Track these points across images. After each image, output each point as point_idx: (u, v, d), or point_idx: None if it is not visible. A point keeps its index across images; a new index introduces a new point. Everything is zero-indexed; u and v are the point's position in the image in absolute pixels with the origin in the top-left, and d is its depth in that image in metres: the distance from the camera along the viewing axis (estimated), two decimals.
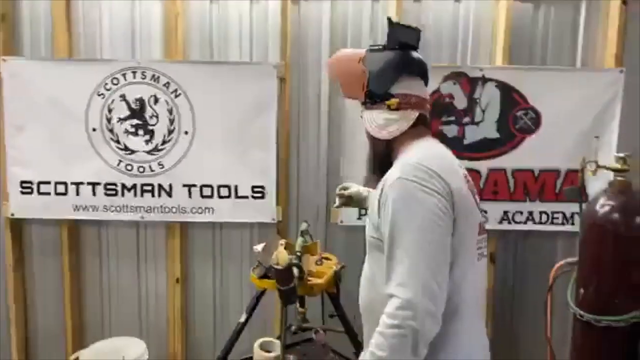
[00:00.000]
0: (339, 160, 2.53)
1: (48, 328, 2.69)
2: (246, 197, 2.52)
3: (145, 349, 2.32)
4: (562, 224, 2.55)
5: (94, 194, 2.49)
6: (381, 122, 1.25)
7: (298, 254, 1.78)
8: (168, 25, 2.47)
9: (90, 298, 2.70)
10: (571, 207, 2.47)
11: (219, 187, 2.51)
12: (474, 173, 2.51)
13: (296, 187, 2.63)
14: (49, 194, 2.48)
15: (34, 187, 2.48)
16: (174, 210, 2.53)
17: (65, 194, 2.48)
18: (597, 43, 2.52)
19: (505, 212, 2.55)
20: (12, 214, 2.52)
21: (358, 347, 1.86)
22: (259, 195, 2.52)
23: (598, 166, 1.88)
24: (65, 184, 2.48)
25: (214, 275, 2.70)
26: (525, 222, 2.56)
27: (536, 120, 2.48)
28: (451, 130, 2.51)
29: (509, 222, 2.56)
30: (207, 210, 2.53)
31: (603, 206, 1.77)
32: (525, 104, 2.47)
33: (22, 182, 2.48)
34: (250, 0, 2.53)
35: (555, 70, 2.49)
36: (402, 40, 1.26)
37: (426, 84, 1.32)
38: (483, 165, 2.52)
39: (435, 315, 1.02)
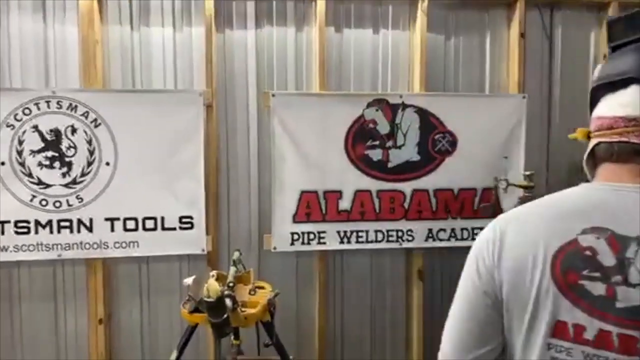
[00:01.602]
0: (270, 186, 2.53)
1: None
2: (174, 228, 2.44)
3: None
4: None
5: (2, 232, 2.29)
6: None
7: (230, 284, 1.76)
8: (86, 52, 2.38)
9: (2, 345, 2.44)
10: (489, 223, 2.64)
11: (144, 219, 2.42)
12: (399, 194, 2.63)
13: (227, 215, 2.59)
14: None
15: None
16: (95, 246, 2.39)
17: None
18: (502, 71, 2.77)
19: (430, 230, 2.68)
20: None
21: None
22: (188, 226, 2.46)
23: (508, 184, 2.05)
24: None
25: (142, 312, 2.57)
26: (448, 239, 2.70)
27: (453, 143, 2.65)
28: (376, 154, 2.61)
29: (434, 239, 2.69)
30: (131, 245, 2.42)
31: None
32: (442, 127, 2.64)
33: None
34: (173, 28, 2.50)
35: (467, 96, 2.69)
36: (616, 41, 0.88)
37: None
38: (407, 187, 2.64)
39: None
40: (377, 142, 2.61)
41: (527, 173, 1.99)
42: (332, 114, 2.54)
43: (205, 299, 1.24)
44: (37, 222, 2.32)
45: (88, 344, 2.48)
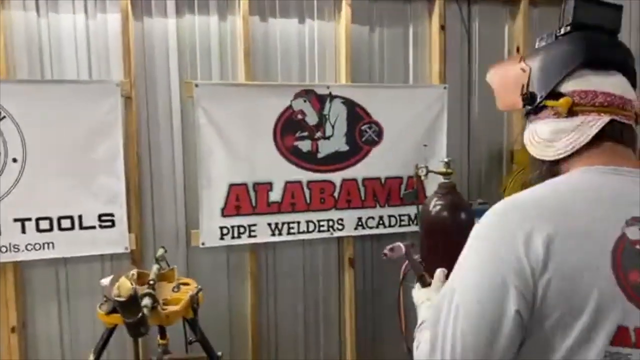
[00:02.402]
0: (196, 180, 2.46)
1: None
2: (93, 227, 2.32)
3: None
4: (409, 224, 2.80)
5: None
6: (546, 135, 0.84)
7: (151, 282, 1.69)
8: None
9: None
10: (414, 209, 2.74)
11: (60, 218, 2.27)
12: (329, 184, 2.65)
13: (151, 212, 2.49)
14: None
15: None
16: (4, 249, 2.21)
17: None
18: (424, 62, 2.86)
19: (359, 219, 2.73)
20: None
21: None
22: (108, 224, 2.34)
23: (428, 171, 2.13)
24: None
25: (61, 317, 2.42)
26: (377, 227, 2.76)
27: (379, 133, 2.71)
28: (305, 145, 2.61)
29: (363, 227, 2.74)
30: (46, 246, 2.26)
31: (435, 206, 2.01)
32: (369, 118, 2.69)
33: None
34: (85, 14, 2.35)
35: (391, 87, 2.76)
36: (582, 21, 0.85)
37: (631, 81, 0.85)
38: (337, 177, 2.67)
39: None
40: (306, 133, 2.61)
41: (446, 160, 2.07)
42: (259, 105, 2.51)
43: (116, 298, 1.18)
44: None
45: (1, 353, 2.30)
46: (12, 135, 2.18)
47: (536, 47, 0.90)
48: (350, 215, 2.71)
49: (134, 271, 1.77)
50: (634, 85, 0.84)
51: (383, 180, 2.74)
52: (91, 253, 2.34)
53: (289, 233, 2.62)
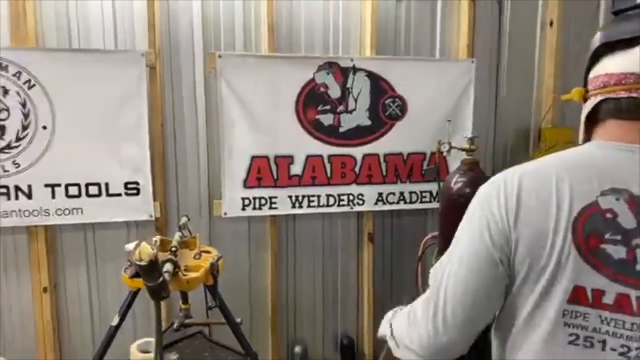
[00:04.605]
0: (220, 151, 2.49)
1: None
2: (119, 194, 2.38)
3: None
4: (430, 201, 2.79)
5: None
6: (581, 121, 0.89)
7: (173, 249, 1.74)
8: (15, 7, 2.21)
9: None
10: (436, 186, 2.71)
11: (87, 185, 2.34)
12: (350, 159, 2.64)
13: (175, 181, 2.54)
14: None
15: None
16: (35, 213, 2.30)
17: None
18: (452, 35, 2.78)
19: (380, 194, 2.72)
20: None
21: (241, 336, 1.87)
22: (134, 192, 2.40)
23: (451, 147, 2.09)
24: None
25: (89, 280, 2.52)
26: (397, 202, 2.75)
27: (403, 107, 2.67)
28: (327, 119, 2.60)
29: (384, 203, 2.73)
30: (75, 211, 2.34)
31: (456, 182, 1.98)
32: (393, 92, 2.65)
33: None
34: None
35: (417, 61, 2.70)
36: (620, 7, 0.85)
37: None
38: (358, 152, 2.66)
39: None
40: (328, 107, 2.60)
41: (470, 136, 2.03)
42: (282, 77, 2.50)
43: (137, 262, 1.23)
44: None
45: (33, 313, 2.43)
46: (42, 103, 2.23)
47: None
48: (371, 191, 2.71)
49: (157, 238, 1.82)
50: None
51: (405, 156, 2.71)
52: (117, 219, 2.41)
53: (309, 206, 2.64)
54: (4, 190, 2.25)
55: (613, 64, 0.81)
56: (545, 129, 2.84)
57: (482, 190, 0.86)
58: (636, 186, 0.73)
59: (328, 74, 2.56)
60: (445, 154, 2.18)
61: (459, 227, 0.86)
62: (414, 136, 2.70)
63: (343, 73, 2.58)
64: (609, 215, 0.73)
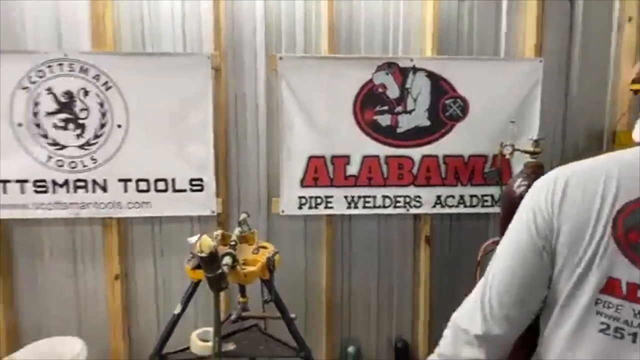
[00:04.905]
0: (278, 150, 2.56)
1: None
2: (184, 190, 2.51)
3: (83, 347, 2.27)
4: (491, 205, 2.69)
5: (22, 191, 2.40)
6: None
7: (233, 243, 1.81)
8: (95, 14, 2.40)
9: (25, 299, 2.60)
10: (498, 190, 2.62)
11: (156, 180, 2.48)
12: (408, 160, 2.62)
13: (236, 179, 2.64)
14: None
15: None
16: (109, 205, 2.48)
17: None
18: (518, 35, 2.67)
19: (438, 197, 2.67)
20: None
21: (295, 332, 1.91)
22: (198, 188, 2.52)
23: (514, 149, 2.01)
24: None
25: (156, 270, 2.68)
26: (457, 206, 2.69)
27: (464, 108, 2.60)
28: (385, 120, 2.59)
29: (442, 206, 2.68)
30: (144, 205, 2.50)
31: (519, 186, 1.90)
32: (454, 92, 2.59)
33: None
34: None
35: (480, 60, 2.62)
36: None
37: None
38: (416, 153, 2.63)
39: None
40: (386, 107, 2.59)
41: (535, 138, 1.94)
42: (341, 77, 2.52)
43: (198, 253, 1.30)
44: (54, 182, 2.41)
45: (106, 298, 2.62)
46: (118, 103, 2.40)
47: None
48: (429, 193, 2.66)
49: (219, 232, 1.90)
50: None
51: (466, 158, 2.64)
52: (182, 214, 2.54)
53: (364, 207, 2.64)
54: (83, 183, 2.44)
55: None
56: (621, 132, 2.66)
57: (535, 184, 0.90)
58: None
59: (387, 74, 2.55)
60: (507, 156, 2.10)
61: (511, 221, 0.91)
62: (475, 138, 2.62)
63: (402, 73, 2.56)
64: None
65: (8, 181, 2.38)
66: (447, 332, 0.95)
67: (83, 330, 2.62)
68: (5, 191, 2.39)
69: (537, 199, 0.85)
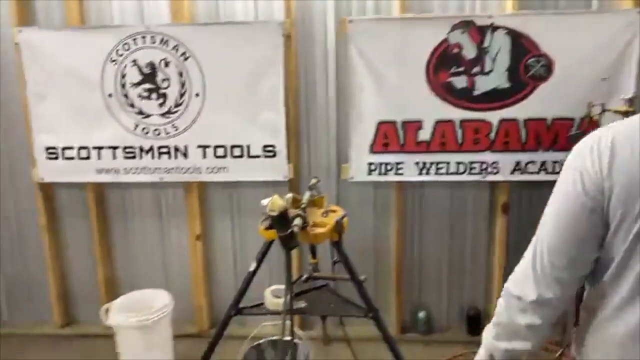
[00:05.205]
0: (348, 116, 2.55)
1: (83, 282, 2.91)
2: (258, 156, 2.59)
3: (171, 299, 2.48)
4: None
5: (114, 157, 2.62)
6: None
7: (303, 205, 1.86)
8: None
9: (119, 254, 2.89)
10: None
11: (232, 147, 2.59)
12: (484, 124, 2.50)
13: (307, 144, 2.68)
14: (72, 158, 2.63)
15: (59, 152, 2.63)
16: (190, 170, 2.63)
17: (87, 158, 2.63)
18: None
19: (517, 163, 2.53)
20: (42, 179, 2.68)
21: (363, 293, 1.95)
22: (271, 154, 2.59)
23: (604, 109, 1.84)
24: (87, 148, 2.62)
25: (233, 231, 2.83)
26: (538, 172, 2.53)
27: (549, 68, 2.41)
28: (460, 82, 2.47)
29: (522, 173, 2.54)
30: (221, 170, 2.62)
31: None
32: (537, 51, 2.40)
33: (48, 148, 2.63)
34: None
35: (569, 15, 2.39)
36: None
37: None
38: (494, 116, 2.49)
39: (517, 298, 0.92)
40: (461, 69, 2.47)
41: (628, 97, 1.76)
42: (413, 39, 2.43)
43: (269, 213, 1.35)
44: (141, 148, 2.61)
45: (189, 256, 2.82)
46: (195, 73, 2.52)
47: None
48: (507, 159, 2.53)
49: (290, 195, 1.95)
50: None
51: (549, 122, 2.46)
52: (256, 179, 2.64)
53: (437, 173, 2.57)
54: (166, 150, 2.62)
55: None
56: None
57: (577, 146, 0.89)
58: None
59: (463, 33, 2.42)
60: (596, 117, 1.93)
61: (558, 180, 0.90)
62: (560, 99, 2.43)
63: (480, 32, 2.42)
64: None
65: (102, 147, 2.61)
66: (500, 301, 0.96)
67: (169, 284, 2.85)
68: (99, 157, 2.62)
69: (582, 162, 0.84)
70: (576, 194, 0.84)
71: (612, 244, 0.83)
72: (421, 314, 2.77)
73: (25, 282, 2.95)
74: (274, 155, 2.59)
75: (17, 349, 2.71)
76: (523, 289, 0.90)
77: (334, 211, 2.00)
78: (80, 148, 2.62)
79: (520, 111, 2.48)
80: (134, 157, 2.62)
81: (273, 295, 2.02)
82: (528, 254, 0.92)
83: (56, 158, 2.64)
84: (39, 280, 2.91)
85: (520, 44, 2.41)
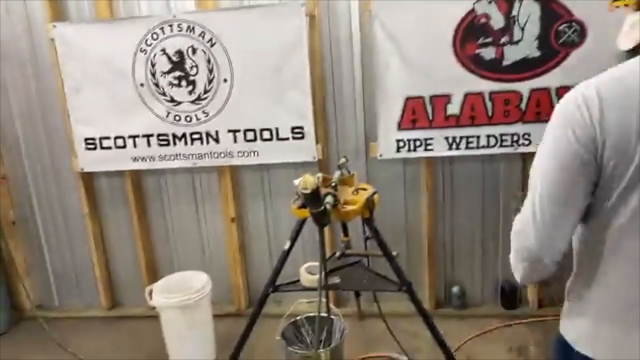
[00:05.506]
0: (374, 94, 2.54)
1: (126, 267, 3.05)
2: (287, 138, 2.63)
3: (208, 280, 2.57)
4: None
5: (149, 145, 2.71)
6: (627, 25, 1.03)
7: (333, 184, 1.89)
8: None
9: (158, 238, 3.00)
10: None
11: (261, 130, 2.63)
12: (515, 95, 2.45)
13: (334, 125, 2.70)
14: (110, 148, 2.74)
15: (97, 142, 2.74)
16: (222, 155, 2.70)
17: (124, 147, 2.72)
18: None
19: None
20: (82, 169, 2.81)
21: (396, 267, 1.97)
22: (299, 136, 2.62)
23: None
24: (123, 138, 2.71)
25: (266, 212, 2.89)
26: None
27: (581, 33, 2.33)
28: (489, 53, 2.42)
29: None
30: (252, 153, 2.68)
31: None
32: (569, 16, 2.33)
33: (86, 139, 2.74)
34: None
35: None
36: None
37: None
38: (524, 86, 2.44)
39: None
40: (490, 39, 2.42)
41: None
42: (438, 11, 2.39)
43: (302, 190, 1.38)
44: (174, 135, 2.68)
45: (225, 238, 2.91)
46: (222, 59, 2.56)
47: None
48: (540, 129, 2.45)
49: (320, 174, 1.98)
50: None
51: None
52: (286, 160, 2.67)
53: (467, 147, 2.55)
54: (198, 136, 2.68)
55: None
56: None
57: (563, 103, 0.91)
58: None
59: (490, 2, 2.37)
60: None
61: (544, 136, 0.94)
62: (596, 65, 2.28)
63: (507, 0, 2.35)
64: None
65: (137, 136, 2.70)
66: (511, 252, 1.02)
67: (207, 266, 2.95)
68: (135, 145, 2.72)
69: (572, 118, 0.87)
70: (571, 147, 0.87)
71: (604, 189, 0.89)
72: (455, 289, 2.78)
73: (73, 269, 3.12)
74: (302, 137, 2.62)
75: (69, 332, 2.88)
76: (526, 239, 0.95)
77: (364, 189, 2.02)
78: (117, 137, 2.72)
79: (552, 80, 2.41)
80: (167, 144, 2.70)
81: (308, 272, 2.07)
82: (527, 207, 0.96)
83: (94, 148, 2.75)
84: (85, 267, 3.06)
85: (551, 9, 2.33)
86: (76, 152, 2.78)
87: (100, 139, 2.73)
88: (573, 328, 1.01)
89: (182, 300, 2.43)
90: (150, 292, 2.52)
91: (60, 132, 2.83)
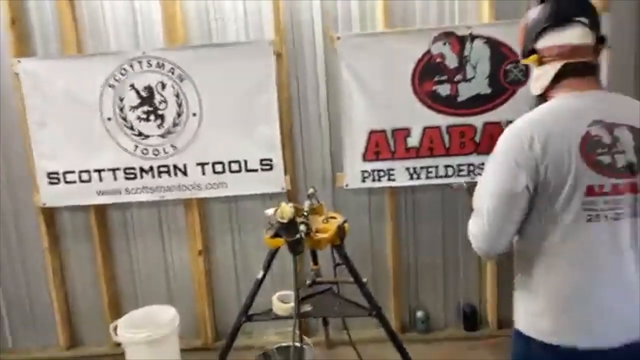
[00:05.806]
0: (340, 127, 2.66)
1: (87, 303, 2.95)
2: (256, 170, 2.69)
3: (176, 314, 2.54)
4: None
5: (115, 178, 2.69)
6: (533, 78, 1.29)
7: (305, 213, 1.96)
8: (167, 13, 2.61)
9: (123, 273, 2.94)
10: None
11: (230, 162, 2.68)
12: (470, 128, 2.63)
13: (302, 156, 2.79)
14: (74, 182, 2.70)
15: (60, 177, 2.69)
16: (190, 187, 2.71)
17: (89, 181, 2.69)
18: None
19: None
20: (44, 204, 2.74)
21: (366, 293, 2.04)
22: (268, 167, 2.69)
23: None
24: (88, 171, 2.69)
25: (234, 244, 2.91)
26: None
27: (526, 72, 2.56)
28: (444, 89, 2.61)
29: None
30: (221, 185, 2.71)
31: None
32: (515, 56, 2.56)
33: (49, 173, 2.69)
34: None
35: None
36: None
37: (589, 25, 1.21)
38: (478, 120, 2.63)
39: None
40: (445, 77, 2.61)
41: None
42: (398, 51, 2.57)
43: (280, 220, 1.45)
44: (141, 169, 2.68)
45: (191, 271, 2.89)
46: (191, 93, 2.61)
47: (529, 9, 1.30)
48: None
49: (291, 204, 2.05)
50: (597, 27, 1.22)
51: None
52: (255, 192, 2.73)
53: (427, 177, 2.69)
54: (166, 169, 2.70)
55: (567, 37, 1.20)
56: None
57: (508, 136, 1.19)
58: (605, 116, 1.16)
59: (444, 44, 2.57)
60: None
61: (488, 163, 1.22)
62: None
63: (460, 42, 2.56)
64: (596, 138, 1.14)
65: (103, 170, 2.68)
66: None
67: (172, 300, 2.91)
68: (101, 179, 2.69)
69: (520, 150, 1.14)
70: (511, 170, 1.15)
71: (545, 204, 1.16)
72: (419, 313, 2.87)
73: (29, 307, 2.98)
74: (270, 168, 2.69)
75: None
76: (477, 242, 1.27)
77: (334, 217, 2.11)
78: (81, 172, 2.69)
79: (502, 114, 2.62)
80: (134, 178, 2.69)
81: (280, 300, 2.11)
82: (478, 215, 1.24)
83: (58, 183, 2.70)
84: (42, 304, 2.94)
85: (499, 52, 2.56)
86: (38, 186, 2.71)
87: (64, 173, 2.69)
88: (524, 317, 1.28)
89: (150, 335, 2.38)
90: (115, 328, 2.46)
91: (22, 167, 2.76)
